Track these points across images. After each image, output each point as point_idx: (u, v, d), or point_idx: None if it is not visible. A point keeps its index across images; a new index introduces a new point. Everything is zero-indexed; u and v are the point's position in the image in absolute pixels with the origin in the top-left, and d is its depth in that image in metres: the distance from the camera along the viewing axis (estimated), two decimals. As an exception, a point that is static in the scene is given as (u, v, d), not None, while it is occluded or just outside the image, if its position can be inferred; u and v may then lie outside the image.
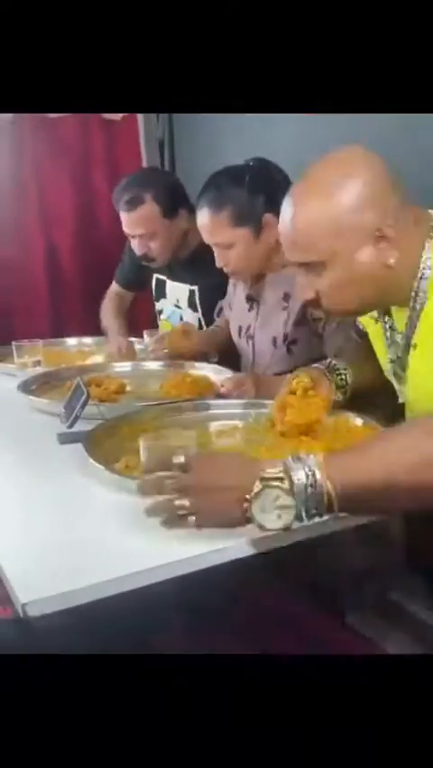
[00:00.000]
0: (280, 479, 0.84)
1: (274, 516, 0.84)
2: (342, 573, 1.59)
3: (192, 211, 1.92)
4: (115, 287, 2.32)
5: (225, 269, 1.64)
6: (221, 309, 1.94)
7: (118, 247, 2.27)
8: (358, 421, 1.27)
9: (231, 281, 1.85)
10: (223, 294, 1.90)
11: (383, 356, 1.26)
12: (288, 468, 0.85)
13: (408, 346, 1.13)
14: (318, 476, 0.83)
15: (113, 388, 1.55)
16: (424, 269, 1.07)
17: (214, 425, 1.37)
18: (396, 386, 1.23)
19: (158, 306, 2.20)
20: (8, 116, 2.51)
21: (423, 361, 1.11)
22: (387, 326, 1.20)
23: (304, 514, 0.84)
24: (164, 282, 2.14)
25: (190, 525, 0.87)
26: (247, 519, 0.85)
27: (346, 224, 1.05)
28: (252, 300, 1.73)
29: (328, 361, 1.33)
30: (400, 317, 1.16)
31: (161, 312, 2.19)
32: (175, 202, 1.95)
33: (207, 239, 1.60)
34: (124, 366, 1.82)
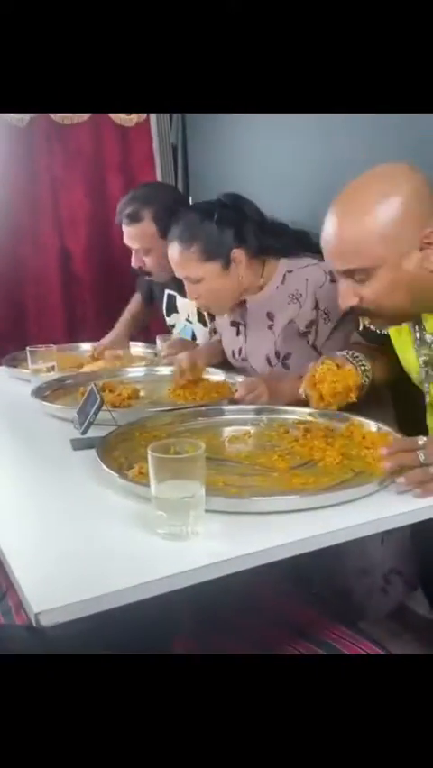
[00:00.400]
0: None
1: None
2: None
3: None
4: (136, 295, 2.36)
5: (197, 304, 1.69)
6: (213, 331, 1.95)
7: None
8: (372, 427, 1.25)
9: None
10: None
11: (412, 361, 1.26)
12: None
13: None
14: None
15: (126, 393, 1.55)
16: None
17: (227, 431, 1.36)
18: (426, 387, 1.23)
19: (169, 320, 2.22)
20: (24, 119, 2.52)
21: None
22: (416, 329, 1.22)
23: None
24: (174, 297, 2.16)
25: None
26: None
27: (394, 231, 1.09)
28: (237, 325, 1.75)
29: (348, 350, 1.34)
30: (429, 318, 1.19)
31: (173, 326, 2.20)
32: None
33: (177, 273, 1.64)
34: (137, 371, 1.82)
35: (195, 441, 0.99)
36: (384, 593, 1.64)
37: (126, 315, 2.31)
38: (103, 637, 0.93)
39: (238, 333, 1.75)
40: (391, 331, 1.32)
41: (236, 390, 1.49)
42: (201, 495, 0.93)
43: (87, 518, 1.06)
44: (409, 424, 1.35)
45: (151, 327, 2.38)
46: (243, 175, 2.33)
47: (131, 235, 1.97)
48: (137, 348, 2.19)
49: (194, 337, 2.12)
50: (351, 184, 1.15)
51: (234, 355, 1.78)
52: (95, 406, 1.30)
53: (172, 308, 2.18)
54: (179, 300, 2.14)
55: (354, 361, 1.32)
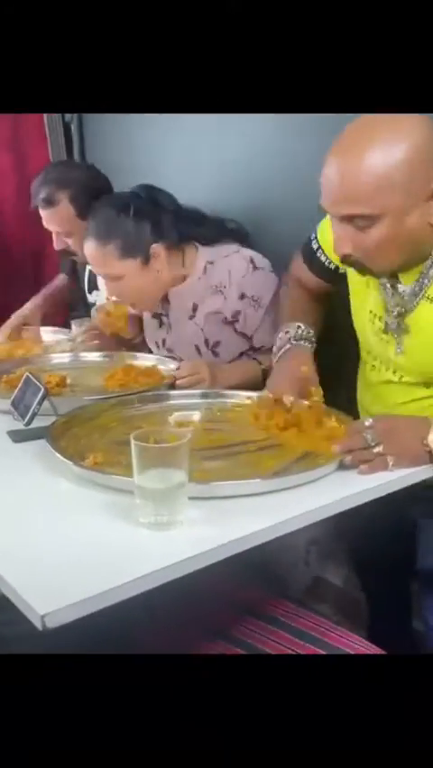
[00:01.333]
0: None
1: None
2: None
3: None
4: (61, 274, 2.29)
5: (120, 302, 1.66)
6: None
7: (22, 228, 2.17)
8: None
9: None
10: None
11: (366, 303, 1.27)
12: None
13: (418, 297, 1.17)
14: None
15: (55, 381, 1.49)
16: None
17: (173, 417, 1.35)
18: (382, 338, 1.25)
19: (91, 298, 2.16)
20: None
21: None
22: (386, 280, 1.21)
23: None
24: (95, 275, 2.10)
25: (385, 466, 1.07)
26: (429, 454, 1.08)
27: (404, 180, 1.04)
28: (158, 316, 1.74)
29: (297, 330, 1.33)
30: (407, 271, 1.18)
31: (94, 304, 2.14)
32: (92, 201, 1.91)
33: (96, 270, 1.62)
34: (61, 358, 1.76)
35: (177, 429, 0.97)
36: (306, 565, 1.71)
37: (45, 291, 2.22)
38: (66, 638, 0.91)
39: (161, 324, 1.73)
40: (352, 274, 1.29)
41: (177, 369, 1.48)
42: (186, 483, 0.92)
43: (58, 514, 1.02)
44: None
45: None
46: (143, 154, 2.29)
47: (48, 219, 1.90)
48: (48, 334, 2.10)
49: None
50: (359, 123, 1.08)
51: (157, 346, 1.77)
52: (38, 396, 1.25)
53: (93, 285, 2.13)
54: (100, 278, 2.08)
55: (308, 341, 1.33)
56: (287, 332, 1.35)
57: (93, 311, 2.07)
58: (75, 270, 2.21)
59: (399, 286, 1.20)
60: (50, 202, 1.86)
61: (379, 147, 1.04)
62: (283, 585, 1.65)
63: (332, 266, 1.36)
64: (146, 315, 1.78)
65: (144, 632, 1.27)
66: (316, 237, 1.39)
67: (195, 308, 1.64)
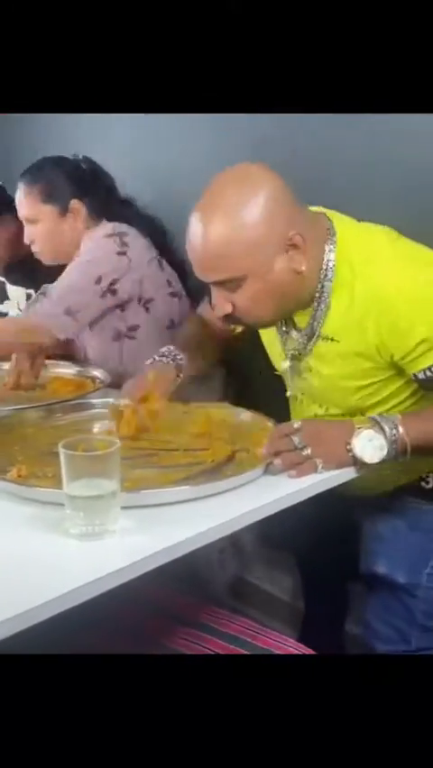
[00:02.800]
0: (372, 425, 1.11)
1: (370, 454, 1.10)
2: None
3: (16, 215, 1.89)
4: None
5: (32, 248, 1.70)
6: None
7: None
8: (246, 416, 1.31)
9: None
10: None
11: (274, 346, 1.31)
12: (376, 420, 1.12)
13: (314, 338, 1.20)
14: (400, 428, 1.10)
15: (-26, 392, 1.44)
16: (327, 270, 1.14)
17: (97, 426, 1.33)
18: (288, 379, 1.29)
19: (2, 308, 2.10)
20: None
21: (338, 348, 1.18)
22: (283, 322, 1.25)
23: (393, 452, 1.10)
24: (4, 284, 2.06)
25: (315, 468, 1.09)
26: (352, 458, 1.11)
27: (257, 238, 1.08)
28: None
29: (172, 351, 1.35)
30: (298, 313, 1.21)
31: (5, 314, 2.09)
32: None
33: (19, 213, 1.67)
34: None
35: (107, 437, 0.96)
36: (221, 566, 1.73)
37: None
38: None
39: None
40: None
41: None
42: (118, 491, 0.91)
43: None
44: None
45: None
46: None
47: None
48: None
49: None
50: (209, 190, 1.12)
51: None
52: None
53: (3, 296, 2.08)
54: (9, 288, 2.05)
55: (174, 361, 1.34)
56: (162, 350, 1.36)
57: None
58: None
59: (292, 331, 1.24)
60: None
61: (231, 212, 1.08)
62: (209, 590, 1.65)
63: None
64: None
65: (71, 642, 1.24)
66: None
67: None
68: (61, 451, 0.90)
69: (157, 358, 1.34)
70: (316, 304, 1.17)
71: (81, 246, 1.67)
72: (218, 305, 1.15)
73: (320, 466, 1.10)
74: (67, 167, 1.66)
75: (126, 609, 1.31)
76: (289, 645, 1.23)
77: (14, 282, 2.03)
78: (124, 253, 1.62)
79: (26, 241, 1.68)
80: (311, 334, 1.20)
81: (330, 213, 1.20)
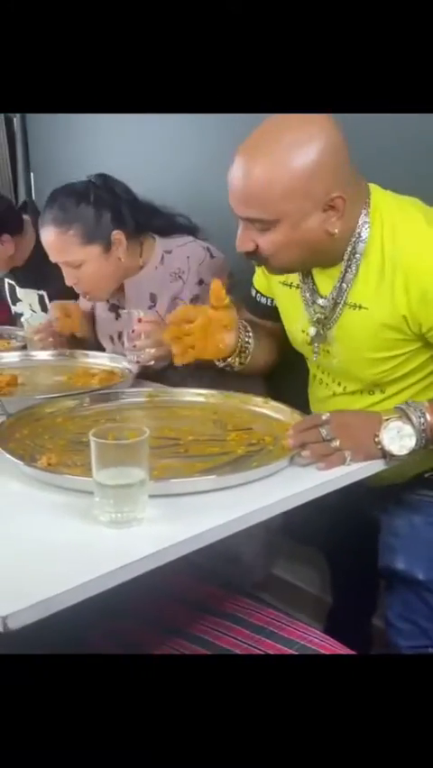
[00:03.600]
0: (400, 416, 1.09)
1: (398, 446, 1.09)
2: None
3: (13, 232, 1.91)
4: None
5: (77, 289, 1.63)
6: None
7: None
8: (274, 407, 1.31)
9: None
10: (75, 296, 1.85)
11: (299, 322, 1.30)
12: (403, 410, 1.10)
13: (339, 306, 1.19)
14: (428, 415, 1.09)
15: (5, 381, 1.47)
16: (360, 234, 1.14)
17: (125, 415, 1.35)
18: (312, 347, 1.28)
19: (15, 308, 2.14)
20: None
21: (365, 317, 1.17)
22: (307, 288, 1.24)
23: (422, 441, 1.09)
24: (14, 287, 2.08)
25: (343, 460, 1.08)
26: (381, 451, 1.09)
27: (300, 188, 1.06)
28: (115, 309, 1.72)
29: (241, 321, 1.35)
30: (323, 280, 1.21)
31: (21, 315, 2.12)
32: (6, 222, 1.91)
33: (55, 258, 1.58)
34: (11, 357, 1.72)
35: (136, 426, 0.97)
36: (258, 558, 1.72)
37: None
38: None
39: (117, 317, 1.71)
40: (280, 294, 1.33)
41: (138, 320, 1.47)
42: (147, 480, 0.92)
43: (10, 515, 1.00)
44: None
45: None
46: (89, 152, 2.27)
47: None
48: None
49: None
50: (264, 127, 1.10)
51: (112, 341, 1.75)
52: (-14, 397, 1.22)
53: (15, 297, 2.11)
54: (19, 290, 2.08)
55: (243, 329, 1.35)
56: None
57: (23, 321, 2.03)
58: None
59: (318, 298, 1.23)
60: None
61: (281, 154, 1.06)
62: (237, 581, 1.66)
63: (273, 304, 1.39)
64: (100, 310, 1.76)
65: (100, 631, 1.26)
66: (253, 285, 1.43)
67: (153, 298, 1.63)
68: (92, 439, 0.91)
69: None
70: (344, 268, 1.16)
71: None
72: (243, 240, 1.15)
73: (349, 458, 1.09)
74: (91, 197, 1.55)
75: (151, 597, 1.32)
76: (314, 637, 1.24)
77: (24, 285, 2.04)
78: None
79: (69, 283, 1.60)
80: (337, 301, 1.19)
81: None
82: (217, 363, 1.37)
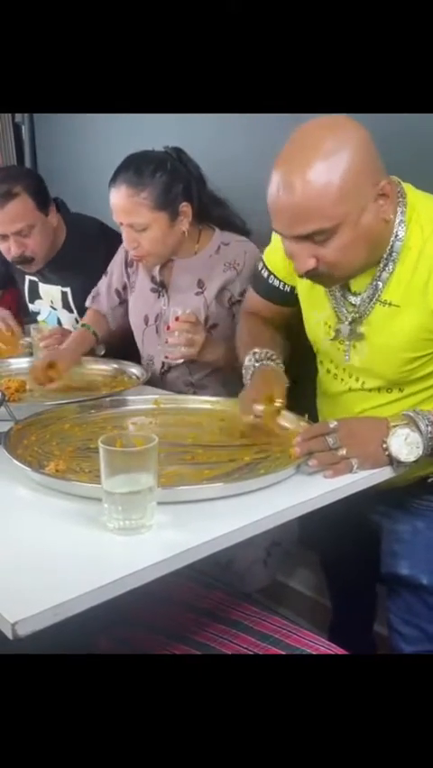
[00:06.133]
0: (408, 423, 1.11)
1: (406, 452, 1.10)
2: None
3: (57, 208, 1.90)
4: None
5: (134, 253, 1.61)
6: (96, 295, 1.87)
7: None
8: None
9: (112, 270, 1.81)
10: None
11: (321, 310, 1.28)
12: (411, 417, 1.11)
13: (372, 302, 1.19)
14: None
15: (14, 387, 1.47)
16: (397, 230, 1.14)
17: (131, 420, 1.35)
18: (347, 345, 1.26)
19: (33, 307, 2.12)
20: None
21: (396, 314, 1.16)
22: (337, 289, 1.23)
23: (429, 449, 1.10)
24: (36, 284, 2.07)
25: (350, 469, 1.09)
26: (388, 458, 1.10)
27: (352, 186, 1.05)
28: (158, 289, 1.71)
29: (265, 352, 1.32)
30: (355, 279, 1.20)
31: (37, 313, 2.11)
32: (46, 196, 1.89)
33: (121, 219, 1.57)
34: (20, 363, 1.73)
35: (145, 434, 0.97)
36: (264, 565, 1.72)
37: None
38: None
39: (160, 296, 1.70)
40: (303, 289, 1.31)
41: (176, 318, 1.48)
42: (155, 487, 0.92)
43: (19, 521, 1.01)
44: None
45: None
46: (95, 156, 2.28)
47: (8, 216, 1.81)
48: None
49: (59, 323, 2.04)
50: (294, 140, 1.08)
51: (146, 321, 1.72)
52: (-4, 403, 1.23)
53: (35, 295, 2.09)
54: (42, 286, 2.05)
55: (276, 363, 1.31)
56: (254, 353, 1.32)
57: (32, 328, 2.00)
58: (6, 275, 2.16)
59: (349, 295, 1.23)
60: (7, 197, 1.79)
61: (322, 160, 1.04)
62: (243, 588, 1.65)
63: (287, 288, 1.36)
64: (140, 283, 1.75)
65: (106, 638, 1.26)
66: (264, 266, 1.39)
67: (202, 285, 1.63)
68: (101, 446, 0.91)
69: (257, 364, 1.30)
70: (382, 265, 1.16)
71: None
72: (301, 260, 1.11)
73: (356, 466, 1.09)
74: (169, 167, 1.56)
75: (157, 604, 1.32)
76: (321, 645, 1.23)
77: (49, 281, 2.03)
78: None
79: (127, 246, 1.60)
80: (370, 298, 1.19)
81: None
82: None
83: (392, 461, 1.11)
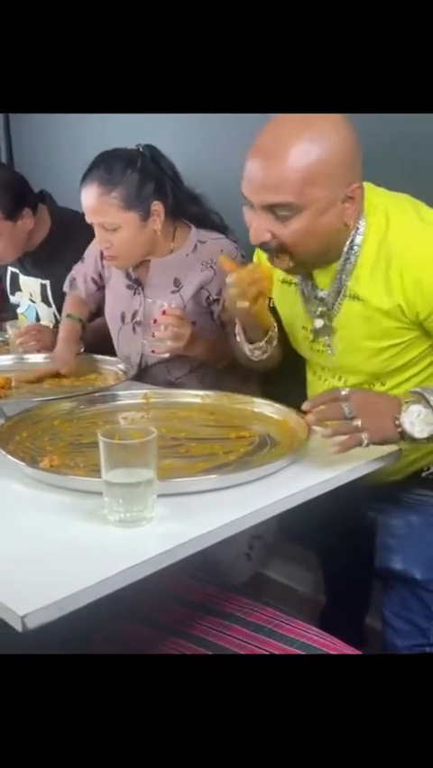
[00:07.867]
0: (418, 399, 1.06)
1: (418, 429, 1.06)
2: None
3: (35, 208, 1.88)
4: None
5: (106, 253, 1.61)
6: (72, 280, 1.86)
7: None
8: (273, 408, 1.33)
9: (88, 257, 1.79)
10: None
11: (298, 318, 1.30)
12: (420, 393, 1.07)
13: (340, 296, 1.21)
14: None
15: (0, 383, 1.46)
16: (356, 233, 1.16)
17: (122, 416, 1.35)
18: (313, 344, 1.28)
19: (13, 299, 2.10)
20: None
21: (364, 307, 1.18)
22: (305, 285, 1.25)
23: None
24: (17, 275, 2.05)
25: (360, 442, 1.04)
26: (400, 434, 1.06)
27: (330, 173, 1.07)
28: (134, 287, 1.70)
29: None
30: (321, 274, 1.22)
31: (17, 305, 2.09)
32: (17, 202, 1.86)
33: (91, 218, 1.56)
34: (4, 360, 1.71)
35: (144, 427, 0.97)
36: (248, 558, 1.73)
37: None
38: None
39: (135, 293, 1.69)
40: (280, 293, 1.33)
41: (163, 312, 1.47)
42: (155, 479, 0.92)
43: (14, 515, 1.00)
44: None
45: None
46: (71, 152, 2.26)
47: None
48: None
49: (38, 318, 2.03)
50: (280, 120, 1.09)
51: (123, 318, 1.71)
52: (-15, 399, 1.21)
53: (16, 287, 2.07)
54: (22, 278, 2.04)
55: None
56: None
57: (8, 325, 1.98)
58: None
59: (318, 292, 1.24)
60: None
61: (303, 142, 1.06)
62: (229, 581, 1.66)
63: (271, 303, 1.35)
64: (115, 280, 1.74)
65: (100, 633, 1.25)
66: None
67: (178, 283, 1.63)
68: (101, 439, 0.91)
69: None
70: (343, 259, 1.18)
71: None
72: (259, 231, 1.12)
73: (366, 441, 1.06)
74: (139, 165, 1.55)
75: (150, 598, 1.32)
76: (314, 635, 1.24)
77: (29, 273, 2.02)
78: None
79: (100, 246, 1.60)
80: (338, 293, 1.21)
81: None
82: (248, 349, 1.35)
83: (404, 436, 1.07)
